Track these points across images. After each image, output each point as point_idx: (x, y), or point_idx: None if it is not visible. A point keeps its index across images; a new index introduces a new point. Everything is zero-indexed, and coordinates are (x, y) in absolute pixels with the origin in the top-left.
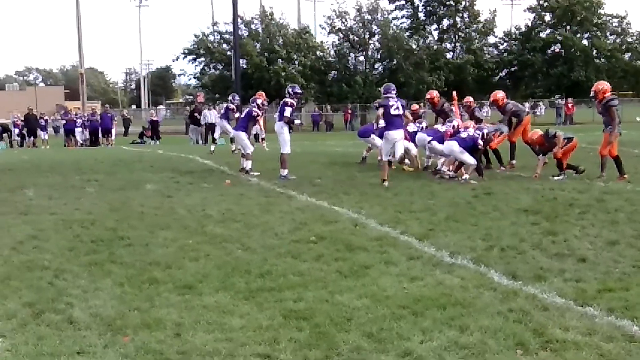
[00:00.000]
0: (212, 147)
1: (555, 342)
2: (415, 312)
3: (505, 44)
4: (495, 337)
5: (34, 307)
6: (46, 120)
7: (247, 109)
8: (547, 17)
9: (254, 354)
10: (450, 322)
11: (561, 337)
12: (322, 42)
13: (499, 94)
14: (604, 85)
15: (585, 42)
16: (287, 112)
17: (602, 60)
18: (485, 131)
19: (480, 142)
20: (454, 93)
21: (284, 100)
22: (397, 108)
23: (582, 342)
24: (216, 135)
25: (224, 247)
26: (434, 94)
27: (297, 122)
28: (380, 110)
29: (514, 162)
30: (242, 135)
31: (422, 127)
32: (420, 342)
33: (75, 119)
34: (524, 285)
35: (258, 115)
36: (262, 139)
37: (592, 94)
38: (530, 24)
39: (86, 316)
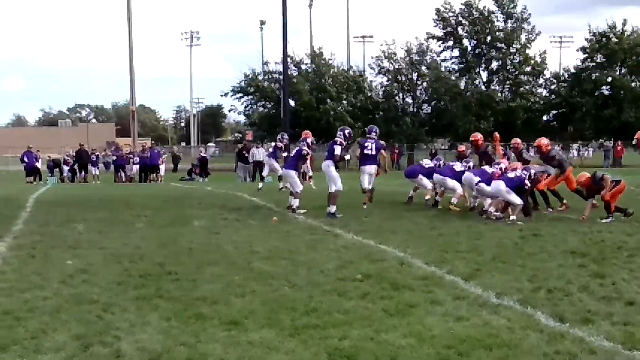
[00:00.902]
0: (260, 185)
1: None
2: (460, 352)
3: (554, 86)
4: None
5: (82, 340)
6: (97, 156)
7: (297, 148)
8: (598, 59)
9: None
10: None
11: None
12: (370, 81)
13: (543, 140)
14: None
15: (634, 83)
16: (337, 150)
17: None
18: (533, 172)
19: (528, 182)
20: (496, 134)
21: (334, 139)
22: (371, 149)
23: None
24: (264, 173)
25: (270, 283)
26: (478, 136)
27: (347, 157)
28: (358, 150)
29: (564, 201)
30: (292, 173)
31: (469, 167)
32: None
33: (127, 155)
34: (571, 328)
35: (307, 154)
36: (310, 177)
37: (634, 142)
38: (580, 65)
39: (133, 350)
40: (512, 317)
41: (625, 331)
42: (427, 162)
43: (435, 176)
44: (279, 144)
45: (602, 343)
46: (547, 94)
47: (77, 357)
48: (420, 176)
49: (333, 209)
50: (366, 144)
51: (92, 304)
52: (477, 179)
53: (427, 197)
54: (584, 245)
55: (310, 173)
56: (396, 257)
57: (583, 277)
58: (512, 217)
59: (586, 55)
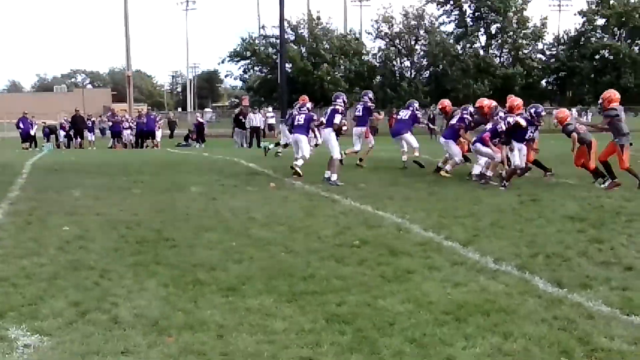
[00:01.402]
0: (279, 150)
1: (600, 351)
2: (458, 318)
3: (553, 49)
4: (539, 344)
5: (79, 307)
6: (93, 122)
7: (306, 115)
8: (599, 22)
9: (296, 357)
10: (493, 329)
11: (606, 346)
12: (365, 48)
13: (485, 102)
14: (610, 94)
15: (636, 49)
16: (337, 119)
17: None
18: (511, 120)
19: (503, 126)
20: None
21: (334, 107)
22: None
23: (628, 351)
24: (283, 141)
25: (268, 250)
26: (485, 102)
27: (344, 128)
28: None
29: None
30: (304, 139)
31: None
32: (463, 348)
33: (122, 121)
34: (569, 293)
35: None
36: (316, 145)
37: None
38: (580, 29)
39: (131, 316)
40: (510, 282)
41: (624, 296)
42: (404, 114)
43: (441, 139)
44: (295, 112)
45: (601, 308)
46: (547, 59)
47: (75, 324)
48: (406, 134)
49: (334, 177)
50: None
51: (89, 270)
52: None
53: (404, 159)
54: (582, 210)
55: (319, 141)
56: (394, 223)
57: (581, 242)
58: (488, 172)
59: (585, 19)
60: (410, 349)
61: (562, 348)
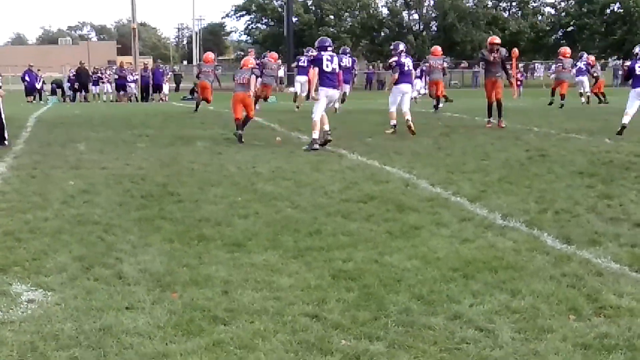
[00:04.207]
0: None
1: (609, 308)
2: (465, 274)
3: (562, 3)
4: (547, 301)
5: (83, 262)
6: (100, 75)
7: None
8: None
9: (301, 314)
10: (501, 286)
11: (615, 303)
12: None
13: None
14: None
15: None
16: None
17: None
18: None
19: None
20: (515, 51)
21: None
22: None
23: (637, 308)
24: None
25: (274, 205)
26: (496, 39)
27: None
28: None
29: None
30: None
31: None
32: (470, 305)
33: (127, 74)
34: (578, 250)
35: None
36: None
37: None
38: None
39: (135, 272)
40: (518, 239)
41: (633, 253)
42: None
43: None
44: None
45: (609, 265)
46: (556, 13)
47: (79, 279)
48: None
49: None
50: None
51: (93, 225)
52: None
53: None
54: (592, 165)
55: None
56: (401, 178)
57: (591, 198)
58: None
59: None
60: (417, 306)
61: (571, 305)
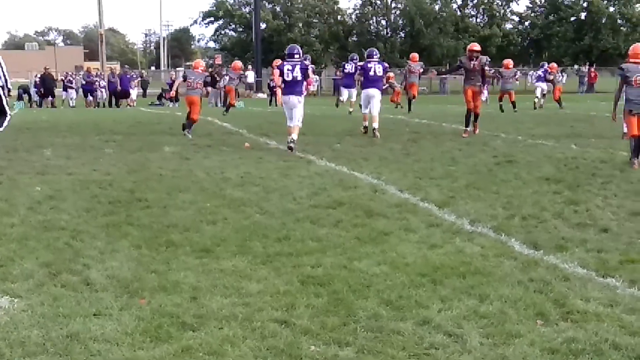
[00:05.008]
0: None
1: (576, 313)
2: (434, 280)
3: (530, 12)
4: (515, 306)
5: (50, 268)
6: (71, 80)
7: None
8: None
9: (270, 319)
10: (469, 291)
11: (582, 308)
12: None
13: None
14: None
15: (612, 9)
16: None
17: (628, 29)
18: None
19: None
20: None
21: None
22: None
23: (604, 313)
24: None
25: (242, 210)
26: (476, 47)
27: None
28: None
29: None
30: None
31: None
32: (439, 310)
33: (95, 79)
34: (545, 255)
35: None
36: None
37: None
38: None
39: (103, 278)
40: (486, 244)
41: (599, 258)
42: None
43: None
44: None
45: (576, 270)
46: (522, 25)
47: (46, 285)
48: (342, 88)
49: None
50: (370, 66)
51: (60, 231)
52: None
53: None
54: (558, 172)
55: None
56: (370, 184)
57: (557, 203)
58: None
59: None
60: (386, 311)
61: (538, 310)
